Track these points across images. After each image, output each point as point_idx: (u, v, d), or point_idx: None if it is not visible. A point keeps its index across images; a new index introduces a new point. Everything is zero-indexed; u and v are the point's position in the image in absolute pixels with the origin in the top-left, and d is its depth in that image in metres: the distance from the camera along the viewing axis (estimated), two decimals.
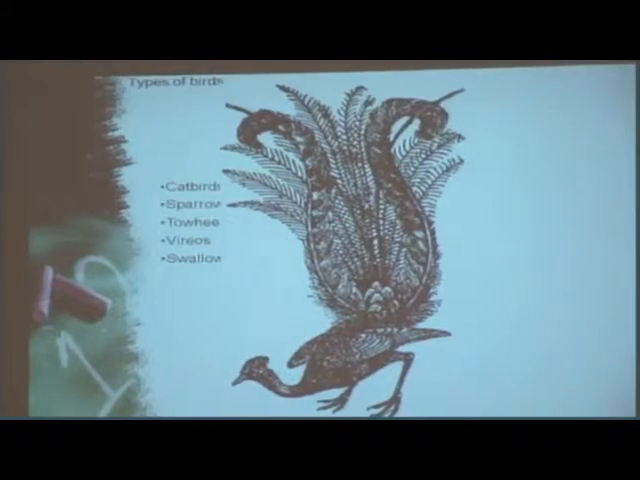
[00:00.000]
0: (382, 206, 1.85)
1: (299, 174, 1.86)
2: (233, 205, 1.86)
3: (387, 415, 1.82)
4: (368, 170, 1.85)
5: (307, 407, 1.83)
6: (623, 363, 1.78)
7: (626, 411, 1.77)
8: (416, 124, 1.85)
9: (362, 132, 1.85)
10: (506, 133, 1.82)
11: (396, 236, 1.85)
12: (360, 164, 1.85)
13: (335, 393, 1.85)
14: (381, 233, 1.85)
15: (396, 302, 1.84)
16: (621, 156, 1.80)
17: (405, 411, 1.82)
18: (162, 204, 1.87)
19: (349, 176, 1.86)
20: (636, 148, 1.80)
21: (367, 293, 1.85)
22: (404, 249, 1.85)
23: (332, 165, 1.86)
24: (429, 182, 1.84)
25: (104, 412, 1.85)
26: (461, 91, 1.83)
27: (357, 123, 1.85)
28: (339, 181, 1.86)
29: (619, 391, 1.78)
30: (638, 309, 1.78)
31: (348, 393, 1.84)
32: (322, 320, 1.85)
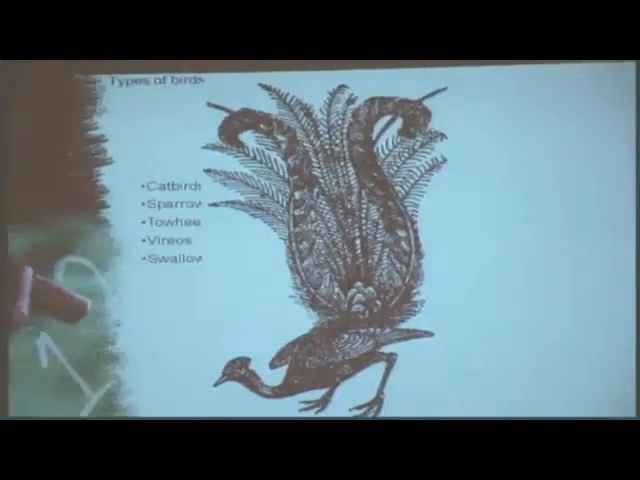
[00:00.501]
0: (365, 205, 1.84)
1: (281, 173, 1.84)
2: (214, 205, 1.84)
3: (370, 416, 1.81)
4: (350, 169, 1.84)
5: (289, 408, 1.82)
6: (623, 363, 1.78)
7: (626, 411, 1.76)
8: (399, 123, 1.84)
9: (344, 131, 1.84)
10: (491, 132, 1.81)
11: (379, 236, 1.84)
12: (342, 163, 1.84)
13: (317, 394, 1.83)
14: (363, 233, 1.84)
15: (379, 302, 1.83)
16: (619, 156, 1.79)
17: (388, 412, 1.81)
18: (143, 204, 1.85)
19: (331, 175, 1.84)
20: (636, 147, 1.79)
21: (349, 293, 1.84)
22: (387, 249, 1.83)
23: (314, 164, 1.84)
24: (412, 181, 1.83)
25: (84, 414, 1.84)
26: (444, 89, 1.82)
27: (339, 122, 1.84)
28: (321, 180, 1.84)
29: (619, 391, 1.77)
30: (638, 309, 1.77)
31: (330, 394, 1.83)
32: (304, 321, 1.84)
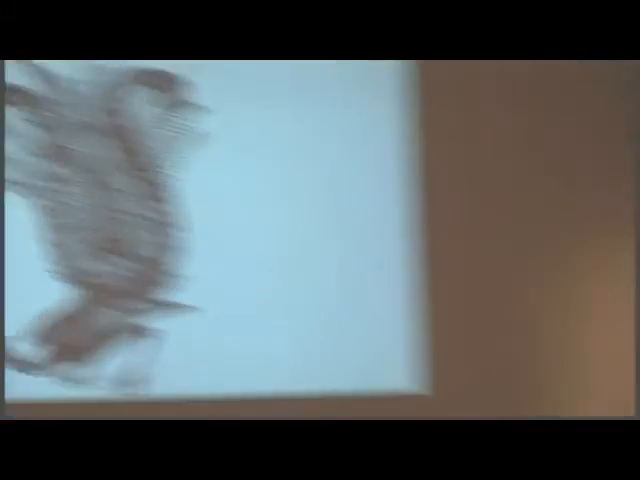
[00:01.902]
0: (124, 179, 1.81)
1: (40, 148, 1.80)
2: None
3: (141, 393, 1.79)
4: (109, 142, 1.81)
5: (57, 387, 1.79)
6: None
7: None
8: (156, 94, 1.82)
9: (103, 104, 1.81)
10: (257, 108, 1.82)
11: (137, 208, 1.81)
12: (100, 136, 1.81)
13: (85, 372, 1.79)
14: (122, 206, 1.81)
15: (137, 276, 1.81)
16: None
17: (157, 389, 1.79)
18: None
19: (90, 149, 1.81)
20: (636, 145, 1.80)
21: (107, 268, 1.81)
22: (146, 222, 1.81)
23: (73, 138, 1.80)
24: (174, 155, 1.82)
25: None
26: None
27: (98, 95, 1.81)
28: (79, 154, 1.80)
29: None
30: (637, 309, 1.78)
31: (98, 371, 1.79)
32: (62, 295, 1.79)
